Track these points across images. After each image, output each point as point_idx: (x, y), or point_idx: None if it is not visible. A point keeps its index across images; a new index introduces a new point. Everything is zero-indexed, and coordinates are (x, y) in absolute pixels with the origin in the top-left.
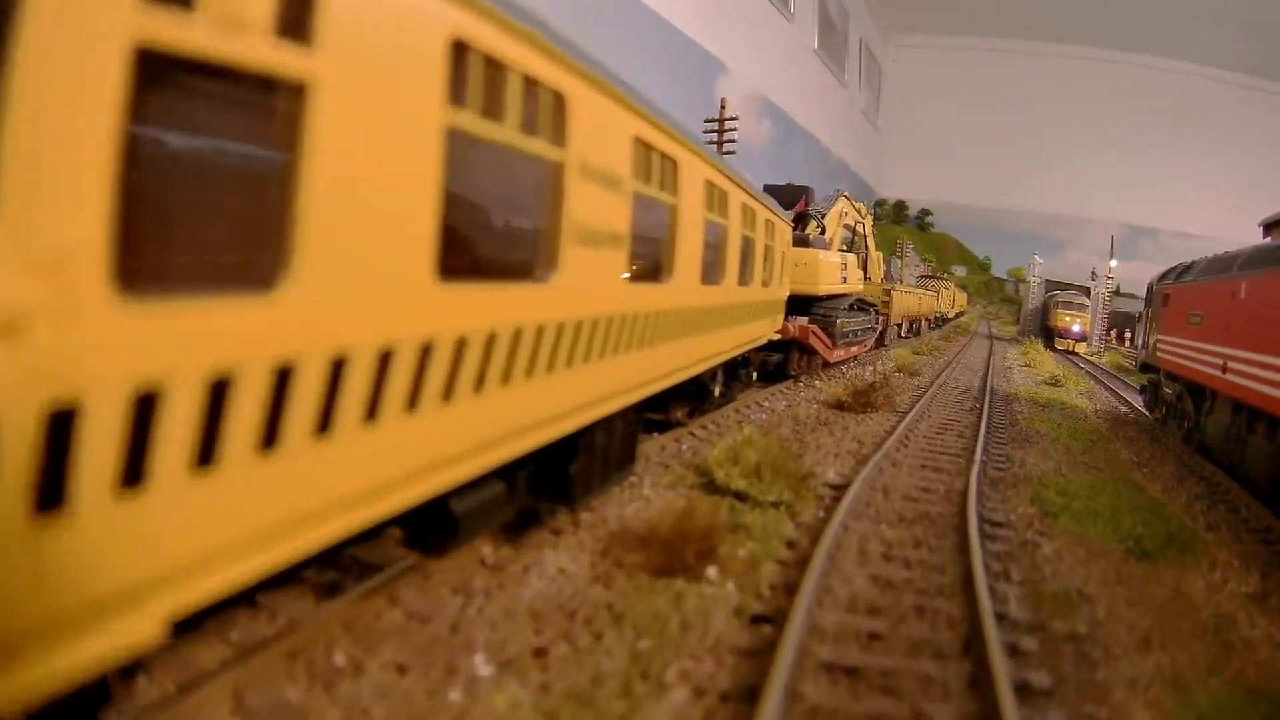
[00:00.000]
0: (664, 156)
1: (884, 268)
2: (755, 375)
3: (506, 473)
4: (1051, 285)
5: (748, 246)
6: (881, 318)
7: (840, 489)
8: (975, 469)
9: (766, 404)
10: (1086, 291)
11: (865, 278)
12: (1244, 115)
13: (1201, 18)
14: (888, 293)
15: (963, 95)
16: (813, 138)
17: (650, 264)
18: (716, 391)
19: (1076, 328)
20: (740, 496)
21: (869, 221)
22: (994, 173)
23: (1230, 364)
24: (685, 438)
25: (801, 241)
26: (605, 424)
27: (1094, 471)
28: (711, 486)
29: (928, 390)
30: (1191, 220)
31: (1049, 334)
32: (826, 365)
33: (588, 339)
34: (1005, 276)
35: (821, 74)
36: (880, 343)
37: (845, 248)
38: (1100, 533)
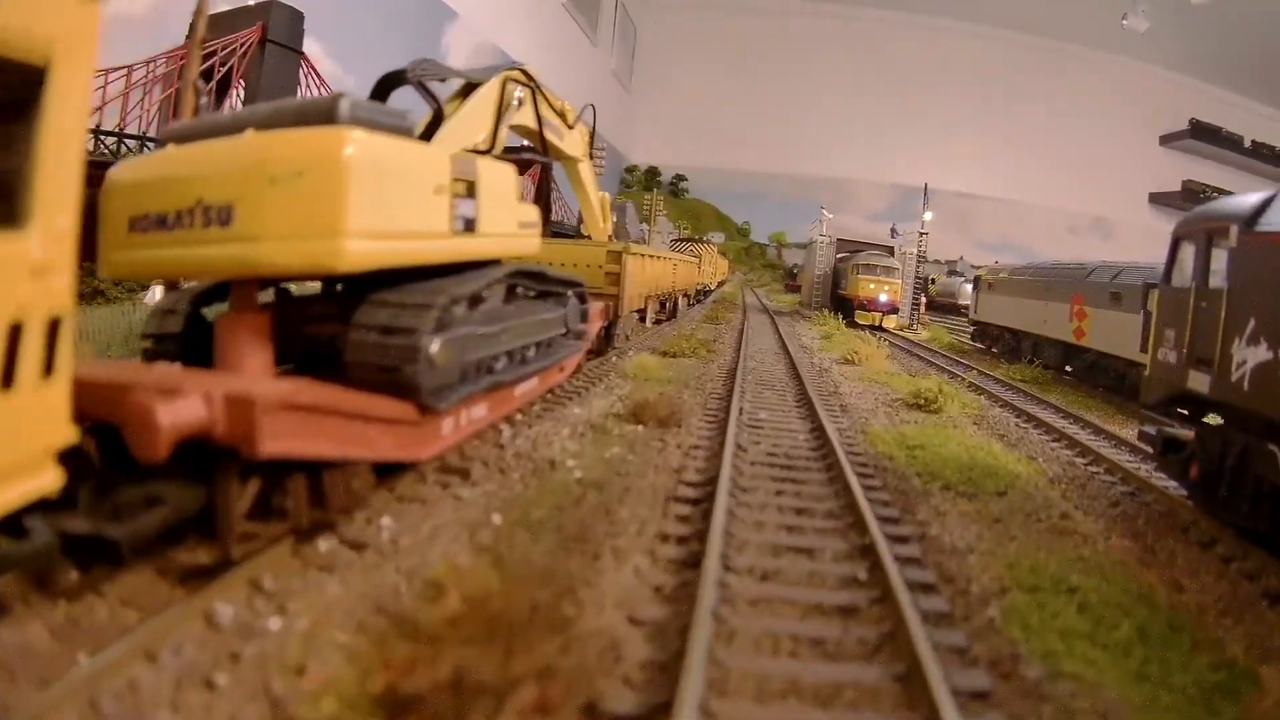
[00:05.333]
0: None
1: (613, 218)
2: None
3: None
4: (845, 245)
5: None
6: (607, 302)
7: None
8: None
9: None
10: (890, 251)
11: (553, 229)
12: (1021, 73)
13: None
14: (617, 258)
15: (721, 58)
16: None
17: None
18: None
19: (884, 297)
20: None
21: (582, 136)
22: (753, 137)
23: None
24: None
25: (300, 116)
26: None
27: None
28: None
29: (706, 517)
30: (970, 180)
31: (845, 305)
32: (415, 467)
33: None
34: (766, 242)
35: (571, 31)
36: (608, 343)
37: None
38: None
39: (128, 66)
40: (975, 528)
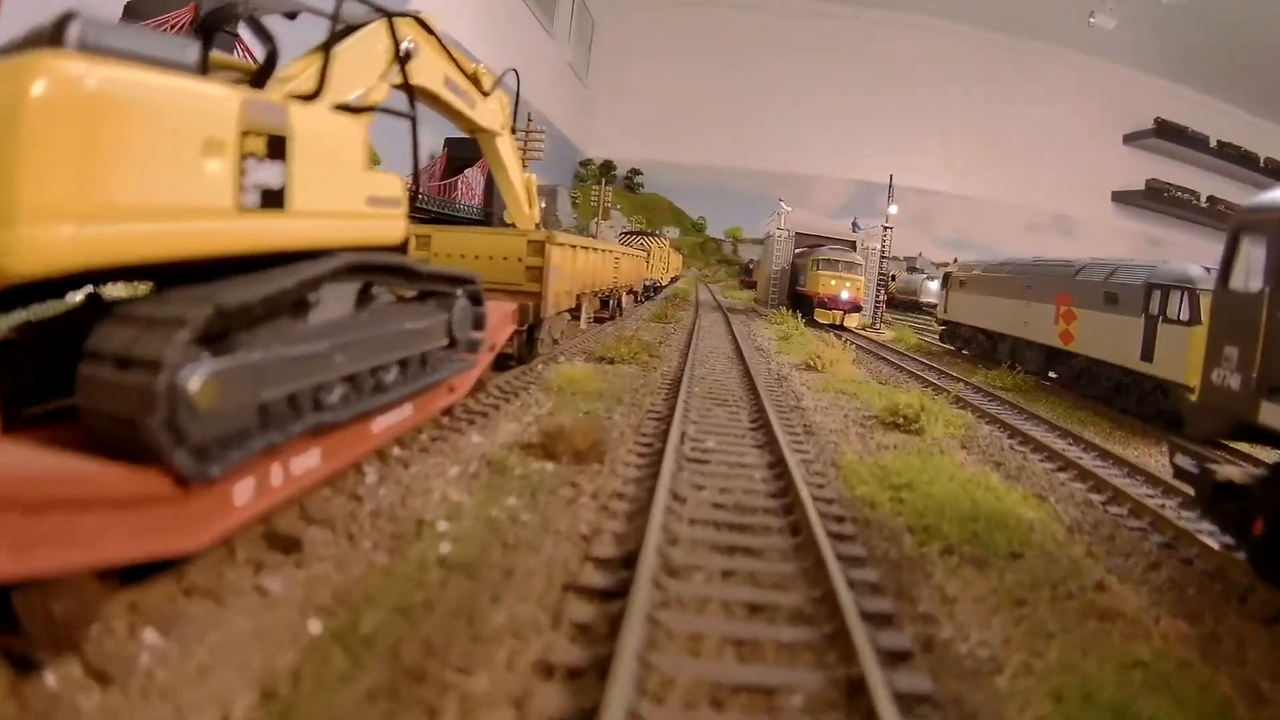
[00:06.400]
0: None
1: (541, 204)
2: None
3: None
4: (804, 239)
5: None
6: (525, 301)
7: None
8: None
9: None
10: (852, 246)
11: (432, 199)
12: (985, 69)
13: None
14: (540, 250)
15: (680, 52)
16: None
17: None
18: None
19: (846, 294)
20: None
21: (501, 106)
22: (710, 132)
23: None
24: None
25: (25, 46)
26: None
27: None
28: None
29: (616, 629)
30: (930, 176)
31: (803, 302)
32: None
33: None
34: (722, 237)
35: (527, 23)
36: (531, 350)
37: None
38: None
39: None
40: (997, 621)
